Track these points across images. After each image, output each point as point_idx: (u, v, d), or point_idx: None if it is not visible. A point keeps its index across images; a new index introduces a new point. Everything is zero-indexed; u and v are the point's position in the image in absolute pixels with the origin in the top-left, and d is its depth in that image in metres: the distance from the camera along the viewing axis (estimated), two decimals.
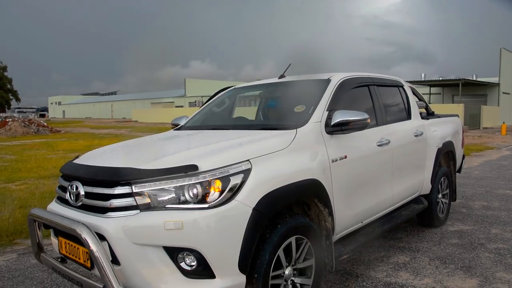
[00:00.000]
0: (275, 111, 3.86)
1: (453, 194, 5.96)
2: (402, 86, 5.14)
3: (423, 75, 40.23)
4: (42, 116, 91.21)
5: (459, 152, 6.16)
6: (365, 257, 4.41)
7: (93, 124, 46.33)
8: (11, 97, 77.35)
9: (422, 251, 4.58)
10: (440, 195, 5.50)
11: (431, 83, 37.96)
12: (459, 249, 4.63)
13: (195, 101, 59.22)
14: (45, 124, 32.44)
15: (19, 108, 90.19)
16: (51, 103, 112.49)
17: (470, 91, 37.81)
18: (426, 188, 5.12)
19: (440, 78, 38.39)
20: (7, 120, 30.91)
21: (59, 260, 3.03)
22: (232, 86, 5.03)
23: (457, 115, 6.59)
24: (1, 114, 54.45)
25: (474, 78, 38.08)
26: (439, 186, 5.44)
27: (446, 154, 5.72)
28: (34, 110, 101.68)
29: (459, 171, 6.35)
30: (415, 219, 5.38)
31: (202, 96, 57.82)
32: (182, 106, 59.50)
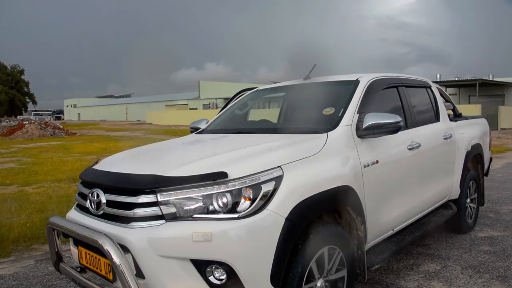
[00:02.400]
0: (301, 114, 3.70)
1: (481, 199, 5.74)
2: (430, 87, 4.96)
3: (438, 75, 39.68)
4: (58, 118, 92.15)
5: (486, 154, 5.95)
6: (394, 266, 4.23)
7: (108, 127, 46.56)
8: (28, 100, 78.32)
9: (453, 259, 4.38)
10: (468, 200, 5.29)
11: (447, 84, 37.38)
12: (492, 257, 4.42)
13: (209, 103, 59.29)
14: (61, 126, 32.62)
15: (35, 111, 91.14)
16: (67, 106, 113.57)
17: (487, 91, 37.18)
18: (455, 192, 4.93)
19: (456, 79, 37.82)
20: (24, 122, 31.14)
21: (78, 270, 2.90)
22: (253, 88, 4.88)
23: (484, 117, 6.39)
24: (18, 117, 55.03)
25: (491, 78, 37.44)
26: (468, 190, 5.24)
27: (474, 157, 5.51)
28: (50, 112, 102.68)
29: (486, 174, 6.14)
30: (442, 224, 5.18)
31: (216, 98, 57.84)
32: (196, 109, 59.58)
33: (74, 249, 2.98)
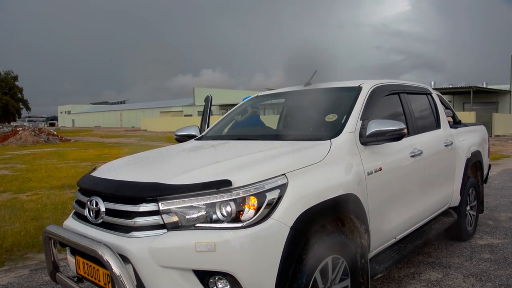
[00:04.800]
0: (302, 120, 3.65)
1: (480, 206, 5.71)
2: (430, 94, 4.93)
3: (432, 83, 39.87)
4: (52, 125, 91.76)
5: (485, 161, 5.93)
6: (395, 274, 4.17)
7: (102, 133, 46.32)
8: (21, 106, 77.95)
9: (454, 267, 4.33)
10: (468, 207, 5.26)
11: (441, 91, 37.41)
12: (493, 265, 4.37)
13: None
14: (55, 133, 32.38)
15: (29, 117, 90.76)
16: (61, 112, 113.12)
17: (481, 98, 37.41)
18: (456, 200, 4.89)
19: (450, 86, 38.03)
20: (18, 129, 30.90)
21: (75, 279, 2.83)
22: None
23: (483, 124, 6.38)
24: (11, 123, 54.69)
25: (485, 86, 37.70)
26: (468, 197, 5.20)
27: (474, 164, 5.49)
28: (44, 119, 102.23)
29: (485, 181, 6.11)
30: (442, 232, 5.13)
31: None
32: (191, 115, 59.46)
33: (71, 259, 2.90)
